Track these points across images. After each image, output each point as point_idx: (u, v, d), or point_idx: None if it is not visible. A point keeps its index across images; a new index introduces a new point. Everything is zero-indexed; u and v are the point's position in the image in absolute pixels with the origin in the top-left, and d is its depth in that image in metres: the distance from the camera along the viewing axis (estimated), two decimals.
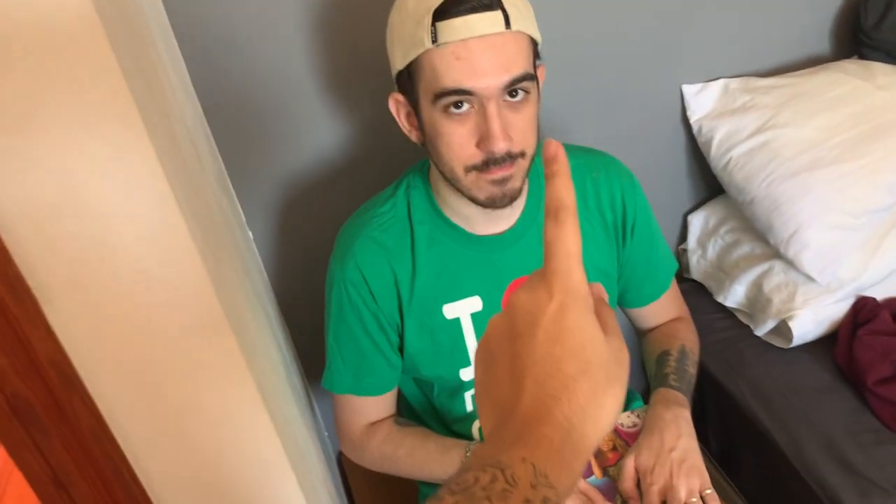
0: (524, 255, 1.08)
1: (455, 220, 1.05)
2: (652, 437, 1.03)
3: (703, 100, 1.53)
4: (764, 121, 1.45)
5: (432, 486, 1.21)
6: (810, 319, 1.41)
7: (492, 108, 0.89)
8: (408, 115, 1.00)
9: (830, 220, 1.36)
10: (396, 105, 1.00)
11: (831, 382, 1.38)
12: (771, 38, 1.55)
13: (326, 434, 1.59)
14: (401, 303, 1.06)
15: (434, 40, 0.87)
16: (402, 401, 1.26)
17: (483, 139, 0.91)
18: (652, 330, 1.28)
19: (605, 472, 1.06)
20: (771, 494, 1.43)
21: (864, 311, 1.40)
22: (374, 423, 1.16)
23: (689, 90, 1.53)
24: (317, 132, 1.29)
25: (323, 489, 1.02)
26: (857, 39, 1.54)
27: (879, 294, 1.43)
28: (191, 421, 0.66)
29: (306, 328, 1.43)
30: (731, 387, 1.46)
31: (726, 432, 1.53)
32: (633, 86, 1.49)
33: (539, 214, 1.08)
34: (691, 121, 1.54)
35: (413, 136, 1.01)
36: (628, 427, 1.12)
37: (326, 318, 1.11)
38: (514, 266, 1.08)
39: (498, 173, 0.93)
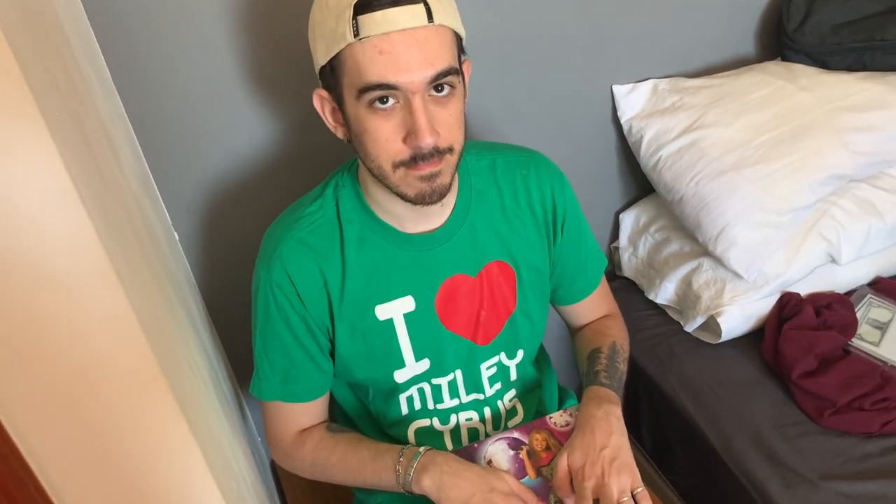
0: (456, 253, 1.07)
1: (385, 218, 1.04)
2: (584, 436, 1.04)
3: (633, 100, 1.54)
4: (692, 121, 1.48)
5: (367, 493, 1.19)
6: (738, 315, 1.44)
7: (417, 103, 0.88)
8: (333, 112, 0.98)
9: (756, 218, 1.39)
10: (321, 101, 0.98)
11: (759, 376, 1.41)
12: (699, 40, 1.58)
13: (259, 440, 1.56)
14: (331, 305, 1.04)
15: (356, 34, 0.85)
16: (335, 406, 1.24)
17: (410, 134, 0.90)
18: (583, 327, 1.28)
19: (538, 472, 1.06)
20: (703, 488, 1.46)
21: (788, 307, 1.44)
22: (305, 430, 1.13)
23: (619, 90, 1.54)
24: (243, 130, 1.26)
25: (252, 498, 1.00)
26: (780, 41, 1.58)
27: (803, 290, 1.47)
28: (103, 434, 0.63)
29: (236, 332, 1.39)
30: (663, 383, 1.48)
31: (659, 428, 1.55)
32: (564, 85, 1.49)
33: (470, 211, 1.07)
34: (622, 121, 1.55)
35: (339, 132, 0.99)
36: (561, 426, 1.12)
37: (253, 323, 1.08)
38: (447, 264, 1.07)
39: (426, 169, 0.92)
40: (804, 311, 1.42)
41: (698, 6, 1.53)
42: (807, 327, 1.39)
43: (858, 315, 1.45)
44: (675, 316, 1.57)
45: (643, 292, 1.64)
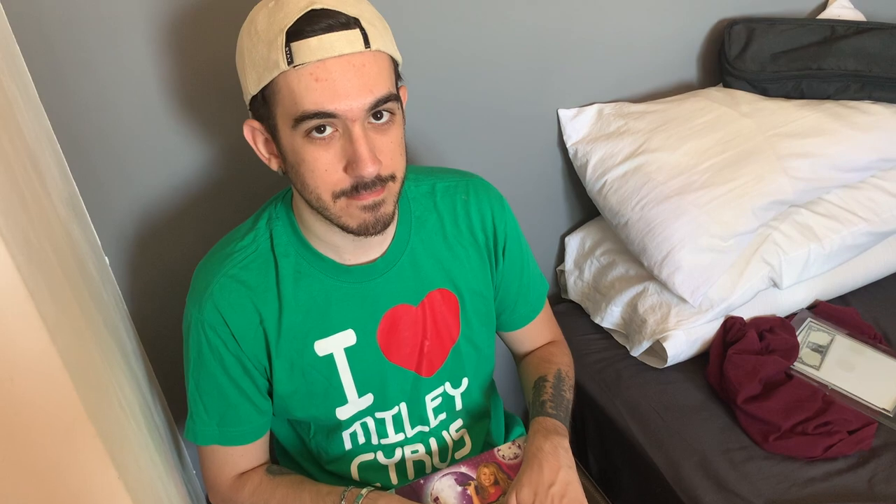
0: (397, 283, 1.04)
1: (322, 250, 1.00)
2: (532, 472, 1.01)
3: (578, 124, 1.54)
4: (637, 146, 1.48)
5: None
6: (683, 340, 1.44)
7: (357, 131, 0.85)
8: (265, 143, 0.94)
9: (701, 242, 1.39)
10: (252, 132, 0.94)
11: (704, 401, 1.41)
12: (643, 65, 1.59)
13: (196, 474, 1.49)
14: (268, 343, 1.00)
15: (290, 61, 0.82)
16: (274, 443, 1.19)
17: (350, 163, 0.87)
18: (528, 354, 1.27)
19: None
20: None
21: (732, 331, 1.45)
22: (244, 474, 1.08)
23: (564, 114, 1.54)
24: (177, 152, 1.21)
25: None
26: (721, 68, 1.60)
27: (747, 314, 1.48)
28: (24, 482, 0.58)
29: (170, 361, 1.33)
30: (609, 407, 1.47)
31: (605, 453, 1.54)
32: (509, 108, 1.48)
33: (411, 238, 1.04)
34: (567, 145, 1.55)
35: (273, 164, 0.95)
36: (509, 459, 1.10)
37: (185, 364, 1.03)
38: (388, 295, 1.04)
39: (369, 198, 0.89)
40: (748, 335, 1.43)
41: (642, 32, 1.54)
42: (751, 351, 1.40)
43: (799, 339, 1.47)
44: (620, 340, 1.57)
45: (589, 316, 1.63)
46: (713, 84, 1.66)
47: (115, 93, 1.12)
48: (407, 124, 0.94)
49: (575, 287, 1.68)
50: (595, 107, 1.56)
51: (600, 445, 1.55)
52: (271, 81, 0.85)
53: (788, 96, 1.57)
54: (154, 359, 1.35)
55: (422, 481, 1.06)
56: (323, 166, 0.87)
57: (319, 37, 0.82)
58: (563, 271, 1.70)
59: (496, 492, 1.05)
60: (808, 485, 1.25)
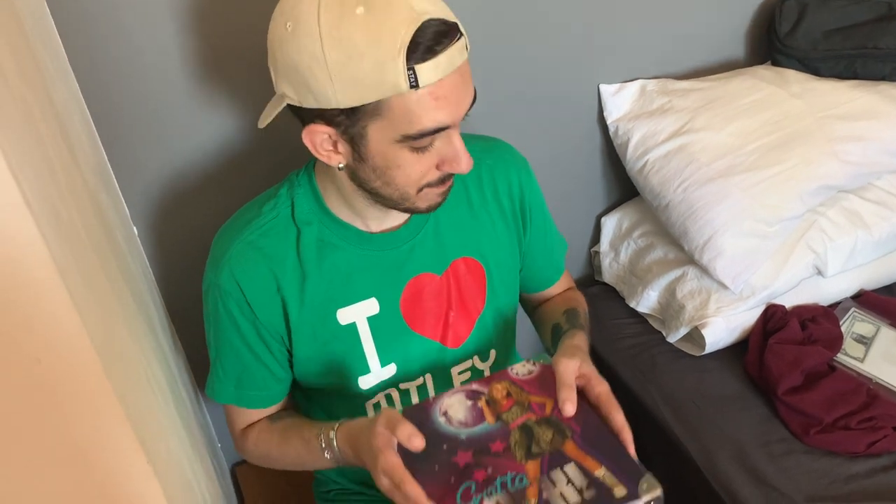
0: (421, 251, 1.02)
1: (345, 218, 0.98)
2: (583, 354, 0.96)
3: (620, 101, 1.49)
4: (681, 124, 1.43)
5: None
6: (722, 327, 1.39)
7: (457, 134, 0.86)
8: (334, 144, 0.88)
9: (745, 227, 1.34)
10: (315, 136, 0.86)
11: (742, 391, 1.37)
12: (688, 40, 1.53)
13: (220, 446, 1.48)
14: (286, 312, 0.98)
15: (413, 84, 0.78)
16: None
17: (447, 162, 0.87)
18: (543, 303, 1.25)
19: (498, 417, 0.98)
20: (678, 503, 1.41)
21: (773, 320, 1.40)
22: (251, 425, 1.08)
23: (606, 90, 1.49)
24: (207, 121, 1.18)
25: None
26: (771, 45, 1.54)
27: (789, 302, 1.43)
28: (52, 467, 0.56)
29: (196, 329, 1.29)
30: (643, 394, 1.43)
31: (636, 440, 1.49)
32: (549, 84, 1.43)
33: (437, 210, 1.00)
34: (608, 122, 1.50)
35: (334, 160, 0.89)
36: (523, 375, 1.04)
37: (206, 324, 1.03)
38: (411, 263, 1.02)
39: (449, 184, 0.91)
40: (790, 324, 1.38)
41: (688, 6, 1.48)
42: (792, 341, 1.35)
43: (843, 329, 1.41)
44: (656, 325, 1.52)
45: (624, 299, 1.59)
46: (759, 62, 1.60)
47: (146, 59, 1.09)
48: None
49: (610, 269, 1.63)
50: (638, 83, 1.50)
51: (631, 432, 1.50)
52: (379, 101, 0.80)
53: (841, 76, 1.50)
54: (179, 327, 1.32)
55: (431, 400, 1.02)
56: (420, 170, 0.87)
57: (447, 52, 0.79)
58: (597, 252, 1.66)
59: (508, 403, 1.00)
60: (849, 481, 1.21)
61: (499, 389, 0.99)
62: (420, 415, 0.96)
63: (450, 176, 0.90)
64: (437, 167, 0.88)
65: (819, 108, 1.42)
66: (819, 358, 1.34)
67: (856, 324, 1.44)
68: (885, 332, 1.42)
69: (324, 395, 1.10)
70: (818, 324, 1.40)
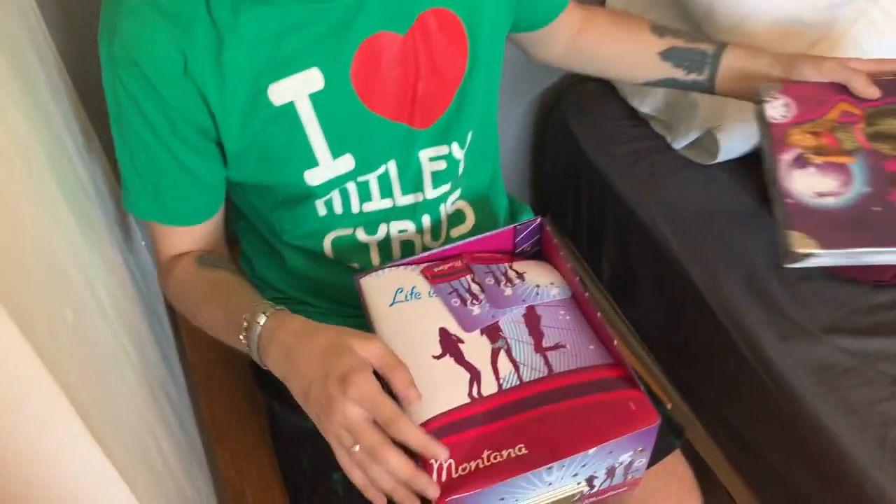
0: (375, 4, 0.75)
1: None
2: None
3: None
4: None
5: None
6: (741, 132, 1.18)
7: None
8: None
9: (781, 10, 1.10)
10: None
11: (756, 208, 1.18)
12: None
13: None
14: (202, 93, 0.73)
15: None
16: (233, 214, 0.95)
17: None
18: (576, 39, 1.01)
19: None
20: (672, 331, 1.26)
21: None
22: (178, 256, 0.85)
23: None
24: None
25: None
26: None
27: None
28: None
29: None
30: (639, 207, 1.24)
31: (625, 258, 1.32)
32: None
33: None
34: None
35: None
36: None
37: (110, 117, 0.77)
38: (362, 20, 0.75)
39: None
40: None
41: None
42: None
43: None
44: (659, 129, 1.30)
45: (622, 98, 1.36)
46: None
47: None
48: None
49: None
50: None
51: (620, 249, 1.33)
52: None
53: None
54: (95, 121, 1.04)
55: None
56: None
57: None
58: None
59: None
60: (873, 312, 1.06)
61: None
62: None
63: None
64: None
65: None
66: None
67: None
68: None
69: (263, 191, 0.87)
70: None
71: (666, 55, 0.97)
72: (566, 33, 1.01)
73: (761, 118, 0.88)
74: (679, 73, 0.97)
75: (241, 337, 0.72)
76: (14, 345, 0.39)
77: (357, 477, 0.64)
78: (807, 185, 0.80)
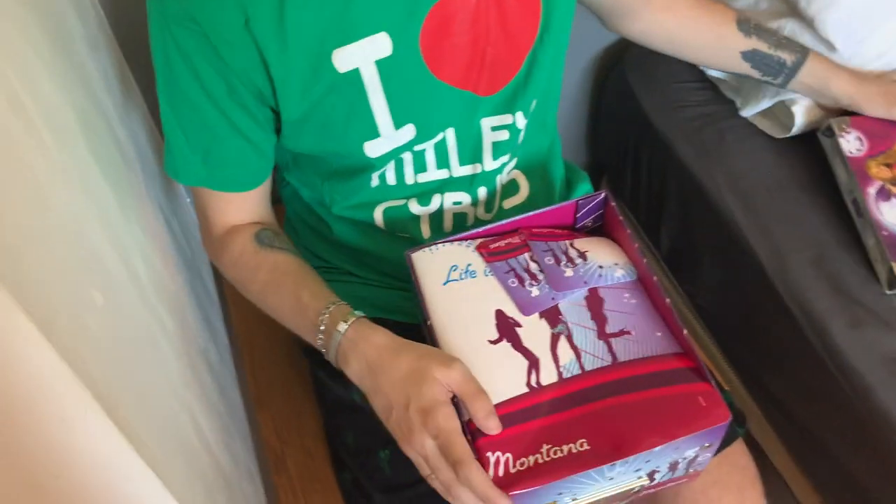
0: None
1: None
2: None
3: None
4: None
5: None
6: (818, 107, 1.10)
7: None
8: None
9: None
10: None
11: (831, 180, 1.10)
12: None
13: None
14: (262, 55, 0.68)
15: None
16: (279, 182, 0.92)
17: None
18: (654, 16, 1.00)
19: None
20: (731, 310, 1.20)
21: None
22: (231, 231, 0.82)
23: None
24: None
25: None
26: None
27: None
28: None
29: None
30: (703, 176, 1.17)
31: (685, 229, 1.26)
32: None
33: None
34: None
35: None
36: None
37: (157, 76, 0.73)
38: None
39: None
40: None
41: None
42: None
43: None
44: (729, 94, 1.22)
45: None
46: None
47: None
48: None
49: None
50: None
51: (681, 219, 1.26)
52: None
53: None
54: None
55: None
56: None
57: None
58: None
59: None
60: None
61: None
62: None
63: None
64: None
65: None
66: None
67: None
68: None
69: (315, 161, 0.83)
70: None
71: (747, 56, 0.99)
72: (642, 4, 0.97)
73: (836, 151, 0.98)
74: (755, 73, 1.02)
75: (318, 338, 0.71)
76: (32, 341, 0.36)
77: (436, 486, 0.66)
78: (894, 215, 0.94)
